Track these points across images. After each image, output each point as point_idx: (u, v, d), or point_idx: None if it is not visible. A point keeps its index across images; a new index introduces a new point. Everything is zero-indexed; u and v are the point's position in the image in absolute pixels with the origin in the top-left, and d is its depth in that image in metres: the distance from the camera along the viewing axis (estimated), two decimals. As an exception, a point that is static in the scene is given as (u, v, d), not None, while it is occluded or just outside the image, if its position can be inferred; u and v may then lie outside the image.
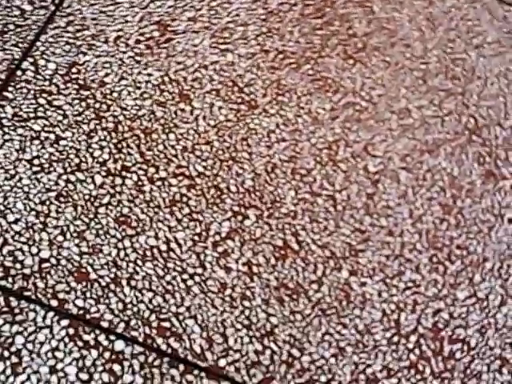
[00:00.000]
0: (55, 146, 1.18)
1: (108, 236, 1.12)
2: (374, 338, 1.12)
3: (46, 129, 1.19)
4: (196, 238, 1.14)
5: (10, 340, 1.02)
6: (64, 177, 1.15)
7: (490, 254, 1.23)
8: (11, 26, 1.28)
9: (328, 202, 1.22)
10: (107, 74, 1.27)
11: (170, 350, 1.05)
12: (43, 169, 1.15)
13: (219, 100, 1.28)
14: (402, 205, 1.24)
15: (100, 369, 1.02)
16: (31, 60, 1.25)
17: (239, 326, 1.09)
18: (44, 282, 1.06)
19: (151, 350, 1.04)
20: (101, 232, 1.12)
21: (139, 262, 1.11)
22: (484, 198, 1.28)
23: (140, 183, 1.17)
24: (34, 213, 1.11)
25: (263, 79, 1.32)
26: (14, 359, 1.01)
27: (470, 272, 1.20)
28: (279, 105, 1.30)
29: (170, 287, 1.09)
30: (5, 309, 1.04)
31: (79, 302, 1.06)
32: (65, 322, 1.04)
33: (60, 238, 1.10)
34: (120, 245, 1.11)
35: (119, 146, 1.20)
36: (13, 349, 1.01)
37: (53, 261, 1.08)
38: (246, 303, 1.11)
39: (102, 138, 1.20)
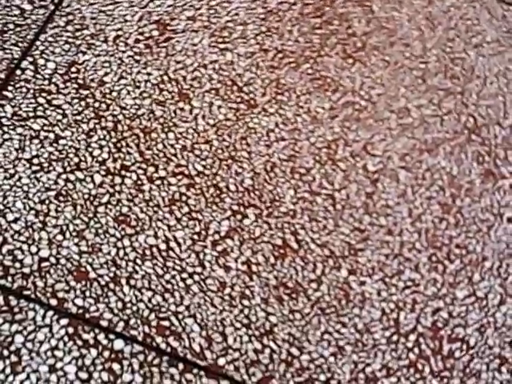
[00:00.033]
0: (54, 145, 1.18)
1: (107, 235, 1.12)
2: (374, 337, 1.12)
3: (45, 128, 1.19)
4: (195, 237, 1.14)
5: (9, 339, 1.02)
6: (63, 176, 1.15)
7: (490, 253, 1.23)
8: (11, 26, 1.28)
9: (327, 201, 1.22)
10: (106, 74, 1.27)
11: (169, 349, 1.05)
12: (42, 168, 1.16)
13: (218, 99, 1.28)
14: (402, 204, 1.24)
15: (99, 368, 1.02)
16: (31, 59, 1.25)
17: (238, 325, 1.09)
18: (43, 281, 1.06)
19: (150, 348, 1.05)
20: (100, 231, 1.12)
21: (138, 261, 1.11)
22: (483, 197, 1.28)
23: (139, 182, 1.17)
24: (33, 212, 1.11)
25: (262, 78, 1.32)
26: (14, 358, 1.01)
27: (470, 271, 1.20)
28: (278, 104, 1.30)
29: (169, 286, 1.10)
30: (4, 308, 1.04)
31: (78, 301, 1.06)
32: (64, 321, 1.04)
33: (59, 237, 1.10)
34: (119, 244, 1.11)
35: (118, 145, 1.20)
36: (12, 348, 1.01)
37: (52, 260, 1.08)
38: (246, 302, 1.11)
39: (102, 137, 1.20)
